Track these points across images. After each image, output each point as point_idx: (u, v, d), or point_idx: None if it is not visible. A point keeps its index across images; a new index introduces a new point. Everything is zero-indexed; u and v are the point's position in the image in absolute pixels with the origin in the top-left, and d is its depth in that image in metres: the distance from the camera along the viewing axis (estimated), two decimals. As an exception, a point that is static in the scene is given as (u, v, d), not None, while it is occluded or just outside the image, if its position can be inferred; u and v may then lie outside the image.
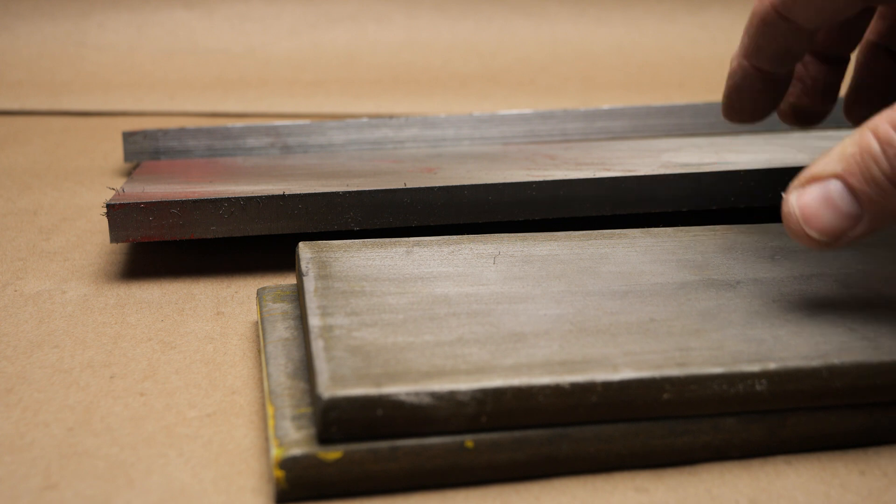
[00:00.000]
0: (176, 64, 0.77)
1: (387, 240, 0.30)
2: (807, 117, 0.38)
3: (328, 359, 0.23)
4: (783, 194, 0.27)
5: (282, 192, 0.34)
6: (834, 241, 0.26)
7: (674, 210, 0.37)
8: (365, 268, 0.28)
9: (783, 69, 0.34)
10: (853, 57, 0.38)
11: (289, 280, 0.35)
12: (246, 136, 0.50)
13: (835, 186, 0.26)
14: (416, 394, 0.21)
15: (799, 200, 0.26)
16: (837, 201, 0.26)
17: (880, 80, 0.38)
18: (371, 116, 0.58)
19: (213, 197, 0.34)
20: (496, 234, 0.31)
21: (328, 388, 0.21)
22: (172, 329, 0.31)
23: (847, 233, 0.26)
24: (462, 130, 0.51)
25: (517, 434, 0.22)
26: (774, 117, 0.54)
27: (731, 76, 0.35)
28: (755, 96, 0.35)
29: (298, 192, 0.34)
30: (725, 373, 0.23)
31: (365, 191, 0.35)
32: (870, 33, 0.37)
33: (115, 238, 0.34)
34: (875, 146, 0.25)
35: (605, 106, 0.54)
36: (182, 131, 0.50)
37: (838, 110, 0.54)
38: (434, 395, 0.22)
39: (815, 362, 0.23)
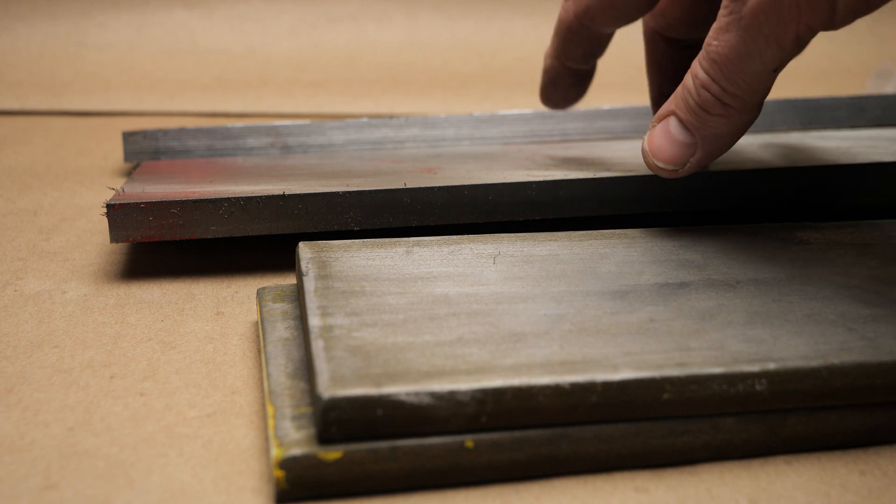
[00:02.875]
0: (176, 64, 0.77)
1: (387, 240, 0.30)
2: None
3: (328, 359, 0.23)
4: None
5: (282, 192, 0.34)
6: (679, 167, 0.30)
7: (674, 210, 0.37)
8: (365, 268, 0.28)
9: (587, 65, 0.39)
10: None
11: (289, 280, 0.35)
12: (246, 136, 0.50)
13: (672, 121, 0.30)
14: (416, 394, 0.21)
15: (648, 138, 0.31)
16: (674, 133, 0.30)
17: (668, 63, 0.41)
18: (371, 116, 0.58)
19: (213, 197, 0.34)
20: (496, 234, 0.31)
21: (328, 389, 0.21)
22: (172, 329, 0.31)
23: (688, 159, 0.30)
24: (462, 130, 0.51)
25: (517, 434, 0.22)
26: (772, 119, 0.54)
27: (545, 73, 0.40)
28: (567, 89, 0.40)
29: (298, 192, 0.34)
30: (725, 373, 0.23)
31: (365, 191, 0.35)
32: (654, 23, 0.41)
33: (115, 238, 0.34)
34: (689, 81, 0.29)
35: (605, 106, 0.53)
36: (182, 131, 0.50)
37: (845, 110, 0.54)
38: (434, 395, 0.22)
39: (815, 362, 0.23)
